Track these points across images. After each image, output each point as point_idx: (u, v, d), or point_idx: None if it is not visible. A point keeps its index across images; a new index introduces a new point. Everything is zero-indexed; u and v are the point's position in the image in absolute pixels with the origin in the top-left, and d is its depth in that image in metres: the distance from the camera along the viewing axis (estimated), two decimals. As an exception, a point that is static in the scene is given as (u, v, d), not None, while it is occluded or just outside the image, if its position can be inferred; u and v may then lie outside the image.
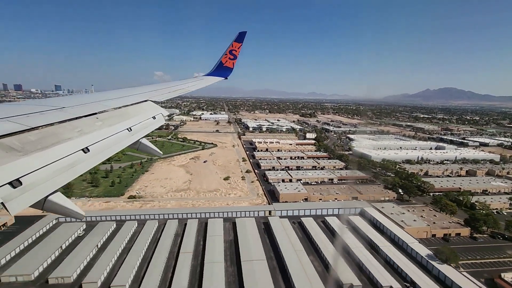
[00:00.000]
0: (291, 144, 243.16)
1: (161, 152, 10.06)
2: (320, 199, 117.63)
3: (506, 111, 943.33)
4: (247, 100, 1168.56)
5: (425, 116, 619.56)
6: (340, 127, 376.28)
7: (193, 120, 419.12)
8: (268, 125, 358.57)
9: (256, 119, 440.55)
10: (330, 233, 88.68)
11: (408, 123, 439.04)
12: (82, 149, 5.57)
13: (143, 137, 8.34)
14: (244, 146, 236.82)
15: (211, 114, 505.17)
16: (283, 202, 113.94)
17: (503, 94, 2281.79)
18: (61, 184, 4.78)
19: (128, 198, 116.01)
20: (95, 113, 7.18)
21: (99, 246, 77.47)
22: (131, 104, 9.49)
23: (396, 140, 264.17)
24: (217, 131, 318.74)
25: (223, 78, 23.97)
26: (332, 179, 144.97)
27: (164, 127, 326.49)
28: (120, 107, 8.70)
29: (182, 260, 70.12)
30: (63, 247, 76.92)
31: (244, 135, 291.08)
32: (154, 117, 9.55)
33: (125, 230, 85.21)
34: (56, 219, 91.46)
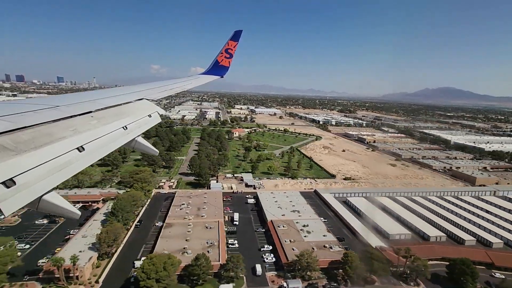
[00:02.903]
0: (385, 137, 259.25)
1: (157, 151, 9.79)
2: (508, 183, 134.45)
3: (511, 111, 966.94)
4: (255, 95, 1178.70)
5: (451, 114, 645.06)
6: (397, 123, 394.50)
7: (248, 114, 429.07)
8: (334, 119, 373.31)
9: (308, 113, 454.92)
10: None
11: (454, 121, 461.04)
12: (77, 148, 5.54)
13: (139, 135, 8.31)
14: (344, 138, 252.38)
15: (255, 108, 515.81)
16: (478, 185, 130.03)
17: (501, 95, 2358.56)
18: (55, 184, 4.73)
19: (345, 179, 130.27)
20: (90, 112, 7.18)
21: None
22: (127, 103, 9.53)
23: (476, 135, 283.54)
24: (292, 124, 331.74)
25: (219, 77, 24.19)
26: (485, 167, 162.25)
27: (242, 119, 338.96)
28: (115, 106, 8.67)
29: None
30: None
31: (327, 128, 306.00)
32: (150, 116, 9.57)
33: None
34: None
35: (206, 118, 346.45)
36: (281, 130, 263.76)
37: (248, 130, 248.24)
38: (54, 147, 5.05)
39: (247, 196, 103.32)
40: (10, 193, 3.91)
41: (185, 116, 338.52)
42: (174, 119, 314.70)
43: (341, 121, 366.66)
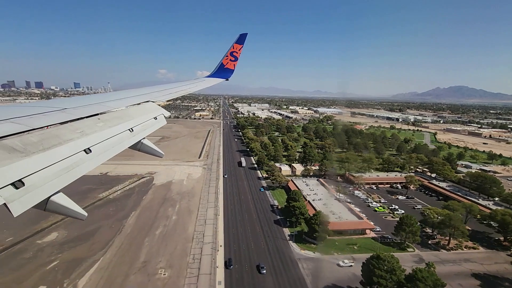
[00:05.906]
0: (489, 132, 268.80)
1: (163, 153, 9.57)
2: None
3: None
4: (268, 98, 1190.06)
5: (493, 112, 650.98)
6: (463, 119, 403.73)
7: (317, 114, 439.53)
8: (412, 117, 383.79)
9: (370, 112, 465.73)
10: None
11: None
12: (84, 150, 5.66)
13: (145, 137, 8.49)
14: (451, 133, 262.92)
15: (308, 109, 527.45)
16: None
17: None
18: (63, 185, 4.84)
19: None
20: (97, 114, 7.34)
21: None
22: (133, 105, 9.71)
23: None
24: (376, 121, 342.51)
25: (224, 80, 24.50)
26: None
27: (316, 118, 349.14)
28: (121, 108, 8.83)
29: None
30: None
31: (421, 125, 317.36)
32: (155, 118, 9.70)
33: None
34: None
35: (291, 117, 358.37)
36: (388, 128, 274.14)
37: (364, 126, 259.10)
38: (62, 148, 5.19)
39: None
40: (19, 193, 3.99)
41: (267, 115, 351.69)
42: (262, 118, 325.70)
43: (418, 118, 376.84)
